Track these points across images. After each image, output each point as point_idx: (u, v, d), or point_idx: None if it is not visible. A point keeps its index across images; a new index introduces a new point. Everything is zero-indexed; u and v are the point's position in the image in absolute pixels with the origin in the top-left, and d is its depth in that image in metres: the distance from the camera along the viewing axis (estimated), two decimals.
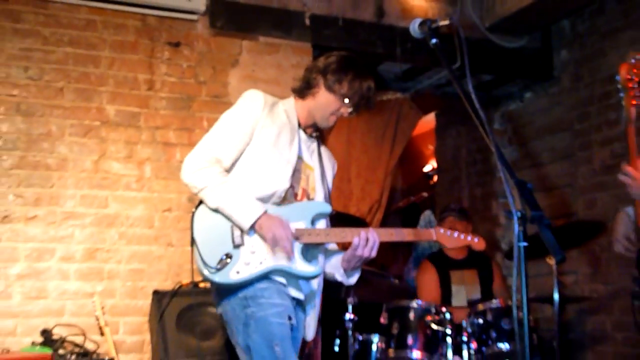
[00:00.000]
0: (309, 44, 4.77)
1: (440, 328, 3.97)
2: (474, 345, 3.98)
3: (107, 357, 3.81)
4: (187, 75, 4.46)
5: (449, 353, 3.94)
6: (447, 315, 4.00)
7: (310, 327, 2.82)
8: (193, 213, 2.67)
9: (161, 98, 4.39)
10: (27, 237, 4.00)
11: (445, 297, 4.62)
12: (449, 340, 3.96)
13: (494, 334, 3.96)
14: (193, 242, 2.62)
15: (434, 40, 2.34)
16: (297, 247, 2.66)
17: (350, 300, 4.08)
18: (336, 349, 4.20)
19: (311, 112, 2.84)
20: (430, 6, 5.14)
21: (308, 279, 2.73)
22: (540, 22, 5.29)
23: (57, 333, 3.90)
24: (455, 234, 2.87)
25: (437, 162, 7.14)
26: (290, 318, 2.62)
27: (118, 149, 4.26)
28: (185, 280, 4.11)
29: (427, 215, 7.11)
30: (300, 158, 2.81)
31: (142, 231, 4.24)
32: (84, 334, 3.96)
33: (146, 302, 4.12)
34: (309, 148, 2.89)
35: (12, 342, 3.85)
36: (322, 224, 2.82)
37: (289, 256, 2.62)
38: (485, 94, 5.90)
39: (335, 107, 2.80)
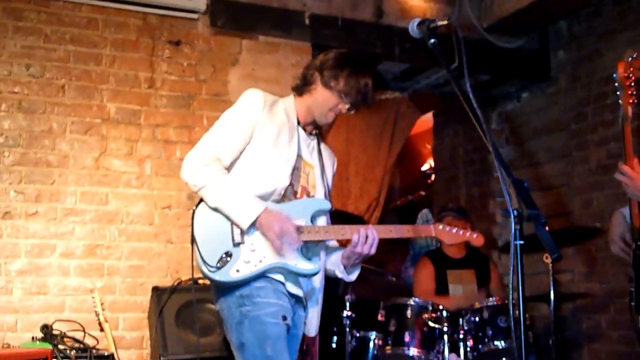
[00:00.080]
0: (308, 43, 4.80)
1: (437, 325, 4.00)
2: (470, 342, 4.01)
3: (106, 353, 3.80)
4: (187, 74, 4.49)
5: (446, 350, 3.97)
6: (444, 313, 4.04)
7: (312, 323, 2.82)
8: (193, 211, 2.67)
9: (161, 96, 4.41)
10: (28, 233, 4.03)
11: (441, 294, 4.63)
12: (445, 337, 3.99)
13: (490, 332, 3.99)
14: (193, 240, 2.61)
15: (432, 40, 2.33)
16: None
17: (347, 297, 4.11)
18: (334, 345, 4.23)
19: (310, 109, 2.83)
20: (428, 6, 5.16)
21: (308, 276, 2.71)
22: (537, 23, 5.32)
23: (57, 328, 3.91)
24: (454, 230, 2.88)
25: (435, 161, 7.14)
26: (285, 318, 2.61)
27: (118, 146, 4.28)
28: (185, 276, 4.13)
29: (424, 213, 7.12)
30: (299, 156, 2.81)
31: (142, 228, 4.27)
32: (83, 330, 3.97)
33: (146, 298, 4.14)
34: (309, 146, 2.89)
35: (12, 338, 3.88)
36: (322, 220, 2.82)
37: (296, 247, 2.60)
38: (483, 93, 5.92)
39: (333, 104, 2.78)
